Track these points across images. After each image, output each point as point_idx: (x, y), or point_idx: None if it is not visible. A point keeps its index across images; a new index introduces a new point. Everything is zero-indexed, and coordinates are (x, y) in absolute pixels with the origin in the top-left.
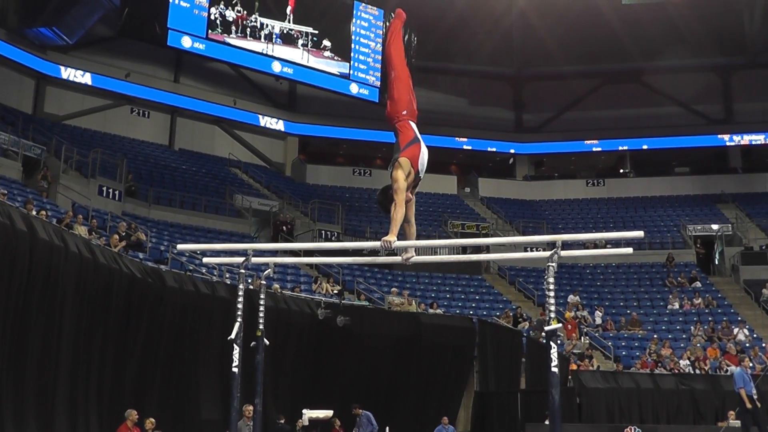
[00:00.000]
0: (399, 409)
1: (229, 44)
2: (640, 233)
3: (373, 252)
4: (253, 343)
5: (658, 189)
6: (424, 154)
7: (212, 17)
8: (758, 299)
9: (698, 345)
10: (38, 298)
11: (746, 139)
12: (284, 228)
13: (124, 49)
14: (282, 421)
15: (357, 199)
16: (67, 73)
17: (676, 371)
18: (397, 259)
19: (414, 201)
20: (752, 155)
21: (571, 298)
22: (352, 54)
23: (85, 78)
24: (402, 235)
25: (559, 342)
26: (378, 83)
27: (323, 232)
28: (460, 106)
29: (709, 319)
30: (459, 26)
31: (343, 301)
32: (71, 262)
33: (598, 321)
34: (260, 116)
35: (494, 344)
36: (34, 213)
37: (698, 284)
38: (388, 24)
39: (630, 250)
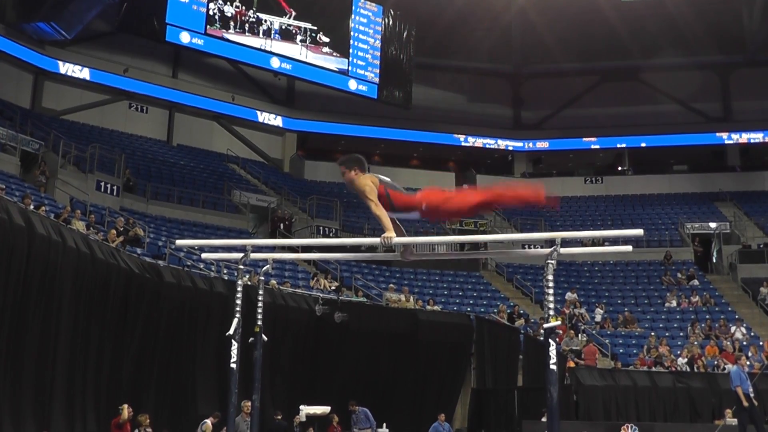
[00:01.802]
0: (396, 405)
1: (227, 40)
2: (639, 231)
3: (371, 248)
4: (251, 339)
5: (656, 187)
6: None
7: (211, 12)
8: (756, 297)
9: (695, 343)
10: (36, 292)
11: (745, 137)
12: (283, 224)
13: (123, 45)
14: (279, 417)
15: (355, 196)
16: (66, 68)
17: (674, 369)
18: (395, 255)
19: None
20: (750, 153)
21: (569, 296)
22: (351, 50)
23: (84, 73)
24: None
25: (557, 340)
26: (377, 79)
27: (321, 228)
28: (459, 103)
29: (707, 317)
30: (458, 23)
31: (340, 298)
32: (69, 257)
33: (598, 319)
34: (259, 112)
35: (492, 341)
36: (32, 208)
37: (696, 282)
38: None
39: (629, 248)
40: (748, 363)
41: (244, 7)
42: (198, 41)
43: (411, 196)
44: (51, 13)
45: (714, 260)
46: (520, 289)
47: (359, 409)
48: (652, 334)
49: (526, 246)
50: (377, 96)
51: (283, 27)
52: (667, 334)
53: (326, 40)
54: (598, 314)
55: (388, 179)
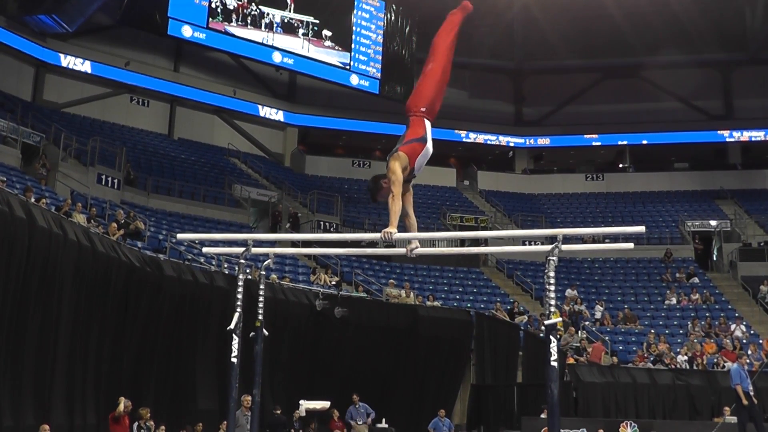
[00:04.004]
0: (395, 400)
1: (229, 33)
2: (641, 228)
3: (372, 243)
4: (252, 333)
5: (657, 184)
6: (425, 156)
7: (213, 5)
8: (756, 296)
9: (695, 341)
10: (36, 285)
11: (746, 135)
12: (290, 222)
13: (124, 38)
14: (278, 412)
15: (356, 191)
16: (67, 61)
17: (673, 366)
18: (397, 250)
19: (411, 193)
20: (752, 151)
21: (569, 292)
22: (352, 45)
23: (85, 66)
24: (402, 228)
25: (558, 337)
26: (378, 75)
27: (322, 223)
28: (461, 99)
29: (707, 315)
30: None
31: (341, 293)
32: (70, 250)
33: (598, 315)
34: (260, 106)
35: (491, 337)
36: (33, 200)
37: (696, 280)
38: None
39: (631, 245)
40: (747, 361)
41: (246, 0)
42: (200, 35)
43: (410, 125)
44: (53, 6)
45: (714, 258)
46: (520, 286)
47: (360, 404)
48: (652, 331)
49: (527, 242)
50: (379, 91)
51: (285, 20)
52: (666, 331)
53: (328, 33)
54: (598, 311)
55: (396, 149)
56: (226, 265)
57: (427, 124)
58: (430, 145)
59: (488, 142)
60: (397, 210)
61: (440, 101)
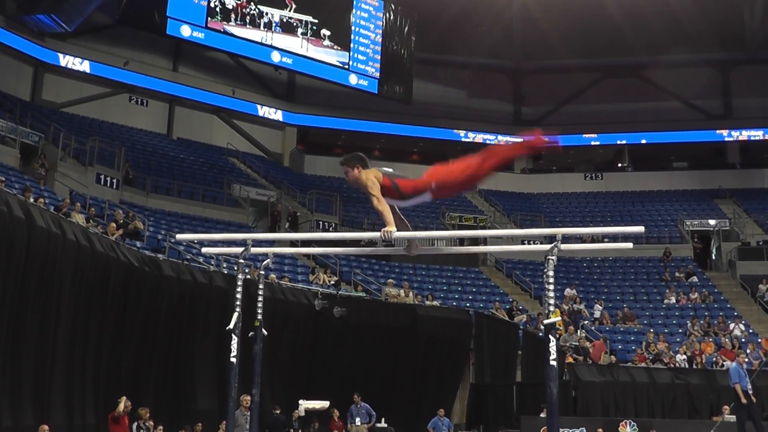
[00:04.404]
0: (395, 400)
1: (228, 33)
2: (640, 229)
3: (371, 242)
4: (251, 333)
5: (655, 183)
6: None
7: (212, 5)
8: (754, 295)
9: (695, 340)
10: (35, 285)
11: (745, 134)
12: (288, 221)
13: (123, 38)
14: (278, 411)
15: (355, 190)
16: (66, 61)
17: (672, 365)
18: (396, 249)
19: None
20: (750, 151)
21: (568, 292)
22: (351, 44)
23: (84, 66)
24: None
25: (557, 336)
26: (377, 74)
27: (321, 222)
28: (460, 99)
29: (706, 314)
30: (460, 19)
31: (339, 292)
32: (69, 249)
33: (597, 315)
34: (259, 106)
35: (491, 337)
36: (31, 200)
37: (695, 279)
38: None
39: (630, 245)
40: (746, 360)
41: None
42: (199, 35)
43: (417, 179)
44: (51, 5)
45: (713, 257)
46: (519, 285)
47: (362, 404)
48: (651, 330)
49: (526, 241)
50: (378, 91)
51: (284, 20)
52: (665, 330)
53: (327, 32)
54: (597, 310)
55: (391, 170)
56: (225, 265)
57: (424, 196)
58: (402, 205)
59: (487, 141)
60: (386, 208)
61: (454, 192)
